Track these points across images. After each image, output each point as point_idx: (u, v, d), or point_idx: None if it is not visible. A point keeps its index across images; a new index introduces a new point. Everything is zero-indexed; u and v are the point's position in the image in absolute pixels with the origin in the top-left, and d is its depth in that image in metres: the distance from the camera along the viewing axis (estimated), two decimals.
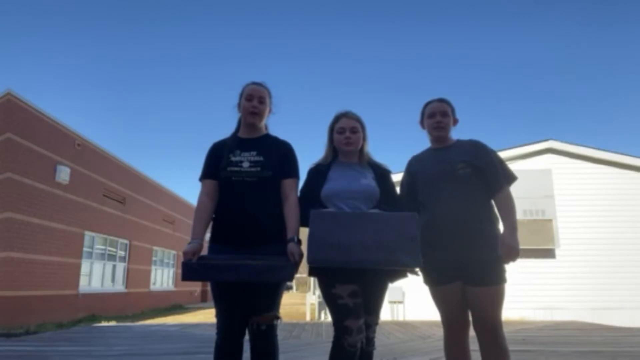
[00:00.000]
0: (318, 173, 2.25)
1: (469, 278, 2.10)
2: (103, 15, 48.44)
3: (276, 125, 2.38)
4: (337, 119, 2.28)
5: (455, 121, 2.36)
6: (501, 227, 2.17)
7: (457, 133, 2.40)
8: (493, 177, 2.18)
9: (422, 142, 2.47)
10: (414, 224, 1.94)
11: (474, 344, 2.19)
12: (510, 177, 2.22)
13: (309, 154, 2.44)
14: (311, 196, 2.15)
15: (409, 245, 1.90)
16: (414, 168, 2.40)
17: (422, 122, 2.41)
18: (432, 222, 2.18)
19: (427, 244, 2.19)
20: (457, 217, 2.13)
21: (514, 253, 2.04)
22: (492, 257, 2.09)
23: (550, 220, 9.62)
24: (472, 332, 2.20)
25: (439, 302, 2.24)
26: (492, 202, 2.21)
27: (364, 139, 2.28)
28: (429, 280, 2.25)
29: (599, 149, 10.28)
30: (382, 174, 2.26)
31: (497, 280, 2.09)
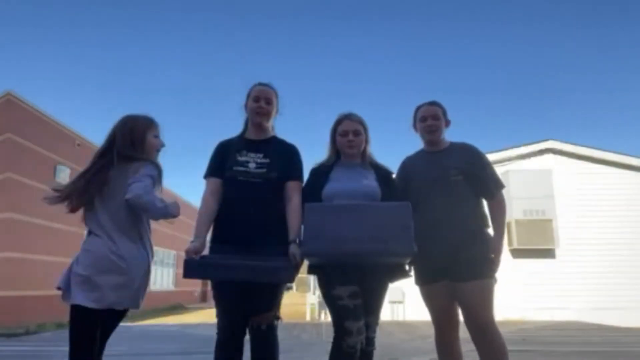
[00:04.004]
0: (320, 173, 2.25)
1: (457, 274, 2.14)
2: (103, 15, 48.45)
3: (279, 124, 2.39)
4: (340, 121, 2.28)
5: (448, 123, 2.40)
6: (490, 230, 2.30)
7: (459, 133, 2.41)
8: (484, 185, 2.29)
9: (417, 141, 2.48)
10: (407, 214, 1.94)
11: (471, 345, 2.19)
12: (500, 185, 2.34)
13: (310, 152, 2.44)
14: (312, 196, 2.15)
15: (402, 234, 1.90)
16: (407, 169, 2.44)
17: (414, 126, 2.46)
18: (422, 225, 2.15)
19: (417, 246, 2.19)
20: (448, 220, 2.19)
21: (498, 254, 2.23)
22: (480, 254, 2.18)
23: (550, 220, 9.60)
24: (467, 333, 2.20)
25: (428, 300, 2.30)
26: (482, 206, 2.31)
27: (367, 141, 2.28)
28: (418, 279, 2.30)
29: (599, 149, 10.27)
30: (383, 175, 2.27)
31: (483, 274, 2.14)
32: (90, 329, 1.86)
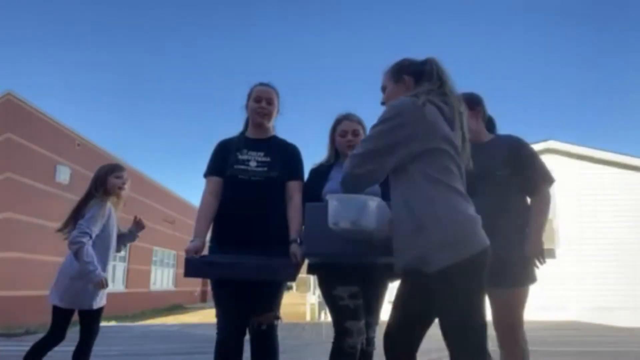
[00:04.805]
0: (319, 173, 2.25)
1: (493, 279, 1.95)
2: (103, 15, 48.47)
3: (279, 122, 2.39)
4: (339, 121, 2.28)
5: (477, 113, 2.20)
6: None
7: None
8: (530, 179, 2.11)
9: None
10: None
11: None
12: (548, 178, 2.14)
13: (310, 152, 2.44)
14: (312, 195, 2.15)
15: None
16: None
17: None
18: None
19: None
20: (487, 217, 1.95)
21: (536, 253, 2.03)
22: (519, 259, 2.04)
23: (550, 220, 9.61)
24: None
25: None
26: (527, 204, 2.13)
27: None
28: None
29: (599, 149, 10.28)
30: None
31: (523, 281, 2.06)
32: None
